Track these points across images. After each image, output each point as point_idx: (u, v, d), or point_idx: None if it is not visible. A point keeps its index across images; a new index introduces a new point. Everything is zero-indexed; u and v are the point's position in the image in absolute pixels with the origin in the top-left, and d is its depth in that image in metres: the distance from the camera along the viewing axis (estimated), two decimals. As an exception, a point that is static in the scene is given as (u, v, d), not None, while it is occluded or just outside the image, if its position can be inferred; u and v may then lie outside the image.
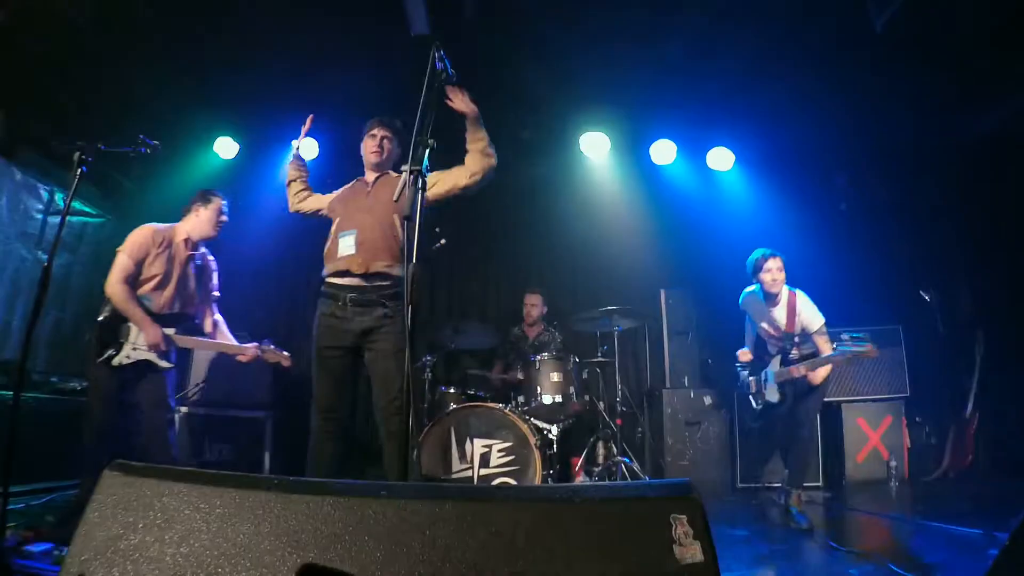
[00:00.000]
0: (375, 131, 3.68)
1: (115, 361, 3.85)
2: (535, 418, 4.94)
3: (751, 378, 5.01)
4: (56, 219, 5.55)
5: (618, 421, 5.38)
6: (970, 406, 6.00)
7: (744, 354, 5.09)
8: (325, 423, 3.44)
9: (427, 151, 2.48)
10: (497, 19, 5.30)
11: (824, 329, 4.62)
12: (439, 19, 5.05)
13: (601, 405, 5.52)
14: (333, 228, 3.59)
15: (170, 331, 3.97)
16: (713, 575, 1.19)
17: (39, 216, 5.65)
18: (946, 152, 6.37)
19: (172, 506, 1.19)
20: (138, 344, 3.89)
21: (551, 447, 4.90)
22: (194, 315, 4.23)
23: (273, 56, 5.57)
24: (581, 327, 5.77)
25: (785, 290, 4.72)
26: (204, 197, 4.25)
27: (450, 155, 3.36)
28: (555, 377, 5.01)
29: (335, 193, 3.82)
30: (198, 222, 4.20)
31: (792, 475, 4.65)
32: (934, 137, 6.27)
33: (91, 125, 5.29)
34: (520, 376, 5.22)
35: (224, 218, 4.29)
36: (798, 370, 4.56)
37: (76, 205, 5.93)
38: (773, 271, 4.71)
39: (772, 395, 4.78)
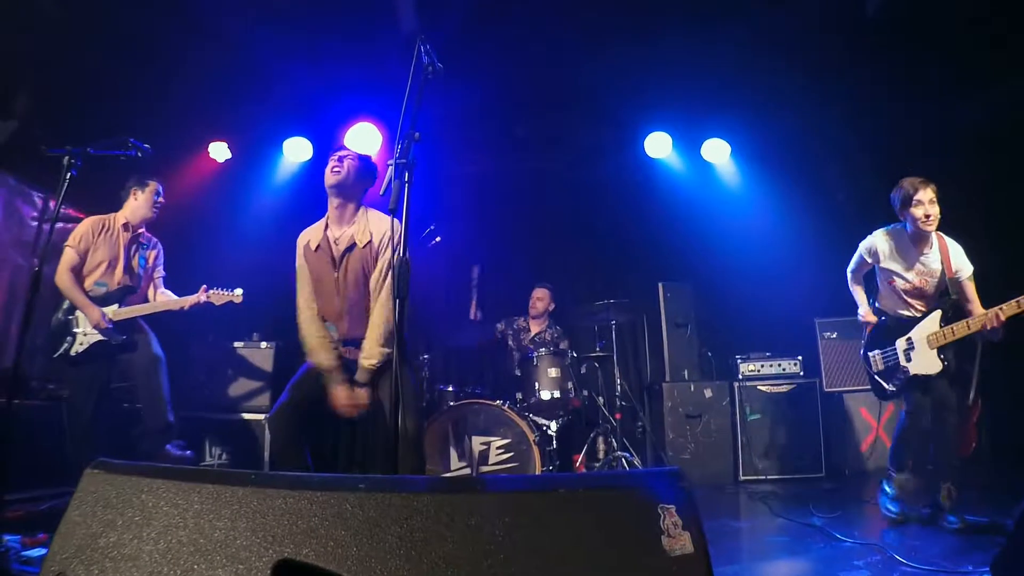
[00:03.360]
0: (338, 153, 3.38)
1: (72, 351, 4.12)
2: (534, 414, 4.92)
3: (875, 353, 4.14)
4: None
5: (617, 416, 5.36)
6: (972, 393, 5.96)
7: (868, 315, 4.24)
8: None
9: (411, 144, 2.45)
10: (492, 16, 5.28)
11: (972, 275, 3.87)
12: (433, 17, 5.05)
13: (600, 400, 5.49)
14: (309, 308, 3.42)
15: (111, 308, 4.19)
16: (703, 567, 1.15)
17: (34, 223, 5.64)
18: (941, 139, 6.34)
19: (151, 503, 1.18)
20: (87, 329, 4.13)
21: (550, 443, 4.89)
22: (137, 290, 4.42)
23: (263, 56, 5.55)
24: (579, 321, 5.76)
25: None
26: (140, 181, 4.43)
27: (437, 147, 3.31)
28: (553, 373, 4.99)
29: (302, 258, 3.48)
30: (136, 206, 4.41)
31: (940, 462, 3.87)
32: (929, 124, 6.24)
33: (83, 130, 5.27)
34: (517, 372, 5.21)
35: (161, 200, 4.47)
36: (995, 318, 3.57)
37: (71, 212, 5.92)
38: (926, 204, 3.82)
39: (926, 365, 3.87)
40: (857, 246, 4.35)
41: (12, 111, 5.20)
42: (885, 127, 6.39)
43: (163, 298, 4.49)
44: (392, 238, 2.53)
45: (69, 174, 3.26)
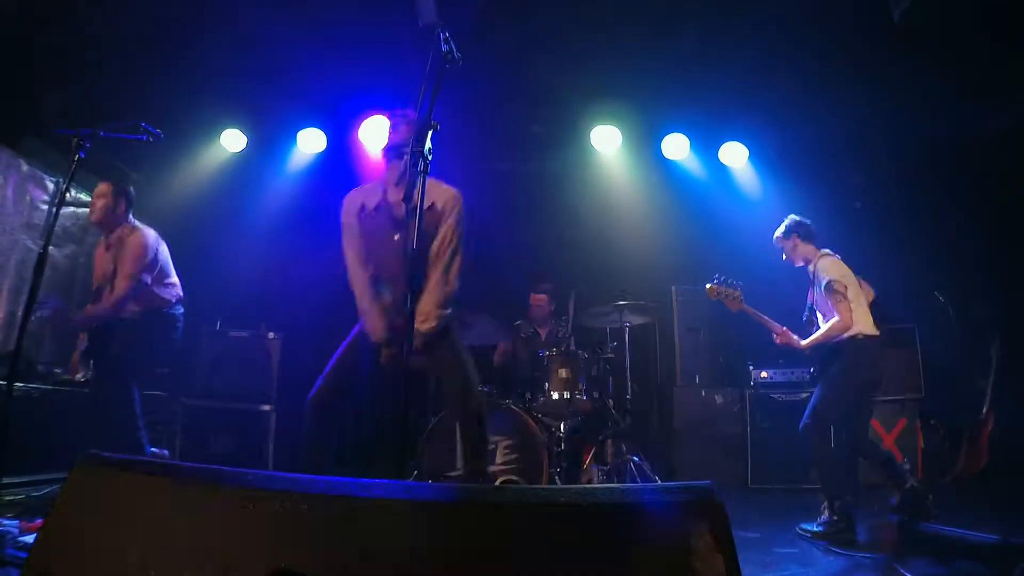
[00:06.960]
0: (397, 112, 3.37)
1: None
2: (543, 415, 4.84)
3: None
4: (65, 210, 5.60)
5: (627, 419, 5.28)
6: (985, 408, 5.86)
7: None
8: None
9: (430, 133, 2.39)
10: (509, 11, 5.21)
11: (834, 286, 4.23)
12: (449, 10, 4.98)
13: (610, 402, 5.39)
14: (363, 269, 3.34)
15: None
16: (736, 591, 1.07)
17: (45, 207, 5.62)
18: (964, 149, 6.23)
19: (140, 501, 1.11)
20: None
21: (559, 445, 4.80)
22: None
23: (279, 47, 5.49)
24: (591, 322, 5.66)
25: (817, 255, 4.54)
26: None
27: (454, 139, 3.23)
28: (563, 374, 4.90)
29: (351, 217, 3.42)
30: None
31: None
32: (952, 133, 6.13)
33: (94, 114, 5.25)
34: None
35: (91, 200, 4.27)
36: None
37: (84, 196, 5.90)
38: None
39: None
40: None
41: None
42: (907, 135, 6.28)
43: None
44: (420, 209, 2.45)
45: (78, 155, 3.22)
